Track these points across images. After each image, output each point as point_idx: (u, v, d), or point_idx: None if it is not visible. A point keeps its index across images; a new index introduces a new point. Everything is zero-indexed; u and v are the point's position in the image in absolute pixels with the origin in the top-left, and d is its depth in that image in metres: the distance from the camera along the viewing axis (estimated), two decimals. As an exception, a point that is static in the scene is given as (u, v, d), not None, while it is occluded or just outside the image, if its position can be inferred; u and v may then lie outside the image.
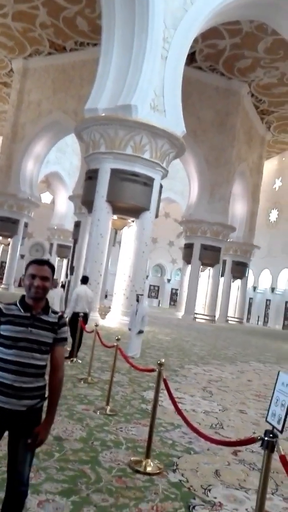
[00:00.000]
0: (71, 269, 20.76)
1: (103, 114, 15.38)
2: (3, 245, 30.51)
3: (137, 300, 9.47)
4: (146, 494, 3.21)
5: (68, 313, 8.72)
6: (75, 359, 8.03)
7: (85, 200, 16.75)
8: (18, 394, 2.09)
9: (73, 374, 6.95)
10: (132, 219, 16.09)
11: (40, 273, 2.16)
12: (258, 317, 38.91)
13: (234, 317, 31.37)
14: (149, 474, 3.55)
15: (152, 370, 4.05)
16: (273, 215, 38.71)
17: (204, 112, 25.93)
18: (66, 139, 31.77)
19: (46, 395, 2.23)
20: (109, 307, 17.81)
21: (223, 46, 23.14)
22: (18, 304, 2.20)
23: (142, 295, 9.72)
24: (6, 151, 28.58)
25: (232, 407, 6.36)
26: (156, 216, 16.47)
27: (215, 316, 27.29)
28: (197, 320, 25.95)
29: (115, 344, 5.37)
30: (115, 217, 16.00)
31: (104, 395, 5.84)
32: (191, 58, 23.02)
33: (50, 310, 2.24)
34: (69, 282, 20.82)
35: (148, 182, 15.60)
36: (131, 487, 3.29)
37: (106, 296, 23.80)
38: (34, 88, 28.54)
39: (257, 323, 38.06)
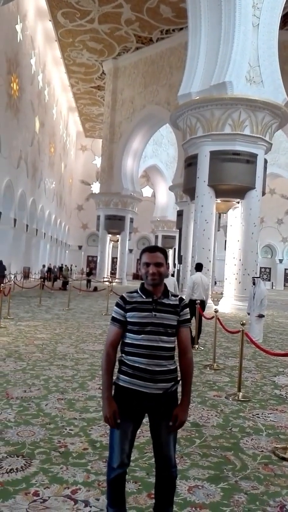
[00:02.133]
0: (179, 258, 20.88)
1: (197, 98, 15.06)
2: (113, 242, 31.91)
3: (254, 283, 9.08)
4: (299, 483, 3.00)
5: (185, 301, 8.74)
6: (196, 346, 8.00)
7: (187, 187, 16.64)
8: (154, 378, 2.13)
9: (197, 361, 6.91)
10: (237, 200, 15.57)
11: (153, 260, 2.21)
12: None
13: None
14: (297, 462, 3.33)
15: (289, 353, 3.77)
16: None
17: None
18: (161, 131, 32.02)
19: (178, 378, 2.25)
20: (221, 293, 17.54)
21: None
22: (139, 291, 2.26)
23: (258, 277, 9.30)
24: (106, 152, 29.76)
25: None
26: (263, 193, 15.69)
27: None
28: None
29: (241, 329, 5.17)
30: (218, 200, 15.63)
31: (233, 381, 5.70)
32: (283, 21, 21.37)
33: (170, 294, 2.26)
34: (178, 271, 20.96)
35: (251, 159, 14.92)
36: (280, 475, 3.11)
37: (215, 283, 23.49)
38: (126, 86, 29.18)
39: None
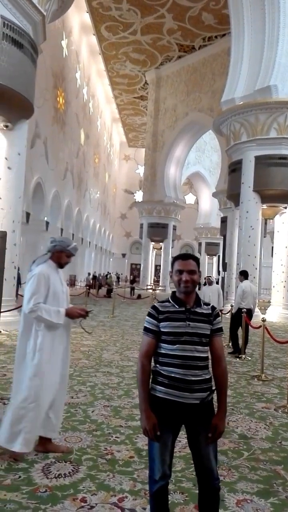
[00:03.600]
0: (224, 265, 20.57)
1: (241, 103, 14.87)
2: (156, 249, 31.99)
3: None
4: None
5: (234, 309, 8.56)
6: (243, 356, 7.82)
7: (231, 193, 16.39)
8: (190, 387, 2.11)
9: (244, 371, 6.75)
10: (284, 205, 15.15)
11: (186, 267, 2.19)
12: None
13: None
14: None
15: None
16: None
17: None
18: (204, 137, 31.88)
19: (213, 388, 2.21)
20: (269, 301, 17.08)
21: None
22: (171, 300, 2.23)
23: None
24: (149, 161, 30.00)
25: None
26: (312, 198, 15.16)
27: None
28: None
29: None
30: (264, 206, 15.27)
31: (283, 393, 5.50)
32: None
33: (202, 302, 2.24)
34: (222, 278, 20.64)
35: (297, 163, 14.47)
36: None
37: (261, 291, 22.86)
38: (168, 95, 29.37)
39: None
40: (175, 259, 2.29)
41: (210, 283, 9.71)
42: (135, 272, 41.89)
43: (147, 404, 2.15)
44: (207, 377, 2.19)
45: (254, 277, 14.63)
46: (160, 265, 32.10)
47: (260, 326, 6.65)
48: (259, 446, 3.71)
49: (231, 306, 9.47)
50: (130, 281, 27.83)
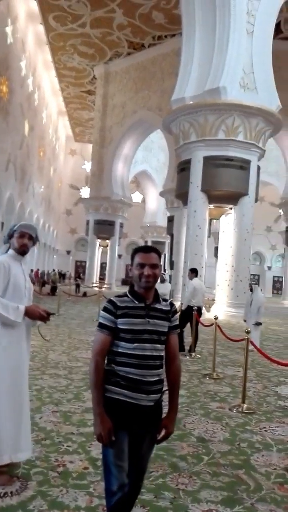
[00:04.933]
0: (171, 264, 20.69)
1: (191, 102, 14.96)
2: (102, 247, 31.60)
3: (251, 290, 8.92)
4: None
5: (183, 306, 8.49)
6: (193, 354, 7.78)
7: (179, 192, 16.49)
8: (147, 389, 1.98)
9: (195, 369, 6.69)
10: (230, 206, 15.46)
11: (148, 261, 2.04)
12: None
13: None
14: (314, 481, 3.11)
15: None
16: None
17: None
18: (152, 137, 31.92)
19: (164, 388, 2.11)
20: (213, 300, 17.37)
21: (311, 10, 21.22)
22: (129, 295, 2.07)
23: (256, 284, 9.14)
24: (97, 156, 29.55)
25: None
26: (256, 200, 15.62)
27: None
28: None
29: (245, 337, 4.96)
30: (211, 206, 15.50)
31: (235, 392, 5.48)
32: (275, 29, 21.51)
33: (160, 298, 2.12)
34: (170, 277, 20.75)
35: (244, 165, 14.84)
36: (299, 497, 2.88)
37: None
38: (117, 91, 29.07)
39: None
40: (135, 251, 2.12)
41: (163, 280, 9.62)
42: (80, 269, 41.20)
43: (102, 407, 1.98)
44: (163, 377, 2.08)
45: (201, 276, 14.78)
46: (105, 263, 31.75)
47: (212, 324, 6.61)
48: (218, 449, 3.59)
49: (181, 303, 9.43)
50: (75, 278, 27.22)
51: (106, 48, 27.26)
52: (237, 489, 2.91)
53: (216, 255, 17.66)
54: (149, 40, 25.73)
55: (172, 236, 21.41)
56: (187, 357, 7.63)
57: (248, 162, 14.92)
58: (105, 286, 28.55)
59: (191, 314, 7.93)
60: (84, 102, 36.32)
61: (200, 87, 14.89)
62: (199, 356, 7.80)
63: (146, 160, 35.23)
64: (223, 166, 14.78)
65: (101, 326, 2.04)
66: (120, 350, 2.01)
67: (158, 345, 2.04)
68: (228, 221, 15.90)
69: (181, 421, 4.17)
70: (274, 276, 43.53)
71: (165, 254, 35.47)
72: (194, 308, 7.94)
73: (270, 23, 14.97)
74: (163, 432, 2.08)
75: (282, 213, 28.37)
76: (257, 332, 8.93)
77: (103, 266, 33.91)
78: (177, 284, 18.12)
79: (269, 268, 44.06)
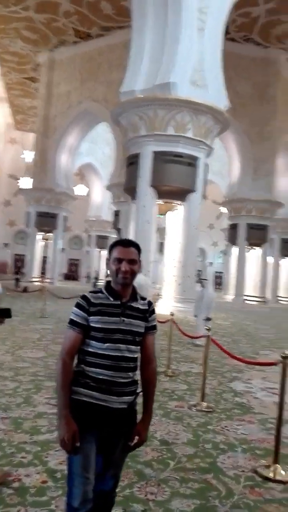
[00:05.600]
0: (117, 259, 20.45)
1: (141, 96, 14.77)
2: (45, 240, 30.61)
3: (202, 286, 8.94)
4: (291, 508, 2.71)
5: None
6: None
7: (128, 187, 16.28)
8: (119, 390, 1.87)
9: (149, 367, 6.55)
10: (178, 202, 15.51)
11: (126, 256, 1.93)
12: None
13: (286, 297, 30.25)
14: (282, 482, 3.05)
15: (273, 364, 3.51)
16: None
17: (241, 85, 24.66)
18: (97, 129, 31.34)
19: (138, 390, 1.99)
20: (159, 295, 17.40)
21: (258, 14, 21.79)
22: (104, 291, 1.96)
23: (207, 280, 9.17)
24: (40, 146, 28.52)
25: None
26: (204, 197, 15.79)
27: (265, 297, 26.39)
28: (247, 302, 25.14)
29: (207, 334, 4.87)
30: (160, 201, 15.46)
31: (191, 389, 5.40)
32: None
33: (138, 296, 2.00)
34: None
35: (192, 162, 14.94)
36: (271, 500, 2.80)
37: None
38: (62, 80, 28.19)
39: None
40: (113, 245, 2.00)
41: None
42: (19, 263, 39.74)
43: (68, 409, 1.84)
44: (136, 378, 1.97)
45: (148, 271, 14.73)
46: (47, 257, 30.81)
47: (167, 321, 6.50)
48: (183, 453, 3.45)
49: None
50: (14, 272, 26.13)
51: (51, 35, 26.26)
52: (208, 496, 2.78)
53: (161, 250, 17.68)
54: (96, 31, 25.12)
55: (119, 230, 21.16)
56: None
57: (196, 159, 15.04)
58: (47, 281, 27.69)
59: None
60: (26, 89, 34.81)
61: (150, 81, 14.74)
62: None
63: (91, 152, 34.57)
64: (172, 162, 14.77)
65: (72, 323, 1.90)
66: (90, 350, 1.88)
67: (133, 346, 1.92)
68: (175, 217, 15.95)
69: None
70: (216, 272, 44.78)
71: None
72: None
73: (221, 21, 15.14)
74: (136, 439, 1.95)
75: (224, 211, 29.08)
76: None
77: (44, 260, 32.88)
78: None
79: (211, 264, 45.21)
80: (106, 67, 25.24)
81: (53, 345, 7.85)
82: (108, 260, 1.98)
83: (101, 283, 29.93)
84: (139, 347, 1.96)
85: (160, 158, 14.72)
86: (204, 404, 4.68)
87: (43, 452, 3.27)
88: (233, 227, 26.25)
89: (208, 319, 8.73)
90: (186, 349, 8.37)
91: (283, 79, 25.97)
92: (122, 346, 1.88)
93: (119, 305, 1.91)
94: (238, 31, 23.52)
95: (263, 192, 24.68)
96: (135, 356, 1.94)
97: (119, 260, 1.91)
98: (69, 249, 41.49)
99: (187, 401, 4.90)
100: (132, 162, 15.65)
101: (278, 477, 3.09)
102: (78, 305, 1.92)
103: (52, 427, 3.76)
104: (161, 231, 19.58)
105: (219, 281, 41.40)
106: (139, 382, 1.99)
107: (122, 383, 1.87)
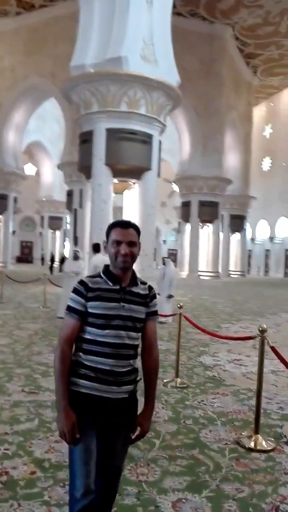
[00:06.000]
0: (75, 240, 20.14)
1: (92, 70, 14.29)
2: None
3: (164, 263, 9.00)
4: (277, 476, 2.84)
5: None
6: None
7: (82, 165, 15.86)
8: (119, 380, 1.81)
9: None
10: (134, 181, 15.36)
11: (126, 238, 1.84)
12: (258, 268, 38.93)
13: (236, 271, 31.29)
14: (264, 451, 3.19)
15: (250, 338, 3.60)
16: (266, 163, 37.92)
17: (188, 61, 24.46)
18: (45, 106, 30.19)
19: (138, 378, 1.94)
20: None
21: (204, -13, 21.64)
22: (103, 275, 1.87)
23: (168, 258, 9.25)
24: (-16, 123, 27.10)
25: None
26: (159, 175, 15.74)
27: (218, 272, 27.14)
28: (201, 277, 25.75)
29: (180, 312, 4.93)
30: (115, 180, 15.25)
31: (163, 366, 5.47)
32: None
33: (138, 281, 1.92)
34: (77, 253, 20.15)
35: (147, 140, 14.74)
36: (257, 470, 2.93)
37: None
38: (6, 53, 26.73)
39: (258, 274, 38.16)
40: (112, 226, 1.90)
41: (76, 257, 9.21)
42: None
43: (66, 400, 1.79)
44: (136, 366, 1.91)
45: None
46: (-2, 240, 29.70)
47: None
48: (167, 430, 3.51)
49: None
50: None
51: (-9, 4, 24.71)
52: (198, 472, 2.85)
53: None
54: (39, 1, 23.94)
55: (75, 211, 20.71)
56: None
57: (150, 136, 14.84)
58: (0, 265, 26.82)
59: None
60: None
61: (101, 55, 14.26)
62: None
63: (39, 130, 33.33)
64: (127, 140, 14.51)
65: (70, 309, 1.82)
66: (88, 337, 1.81)
67: (133, 333, 1.84)
68: (132, 196, 15.83)
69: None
70: (168, 249, 45.35)
71: (64, 230, 34.54)
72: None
73: (170, -6, 14.82)
74: (137, 431, 1.92)
75: (177, 189, 29.24)
76: (169, 305, 9.12)
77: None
78: (84, 261, 17.69)
79: (164, 242, 45.71)
80: (52, 40, 24.17)
81: (17, 330, 7.66)
82: (105, 242, 1.90)
83: (56, 265, 29.42)
84: (139, 334, 1.89)
85: (114, 135, 14.41)
86: (178, 380, 4.77)
87: (27, 442, 3.20)
88: (186, 205, 26.52)
89: (170, 296, 8.84)
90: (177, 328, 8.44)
91: (229, 55, 26.11)
92: (122, 332, 1.80)
93: (119, 290, 1.83)
94: (184, 5, 23.24)
95: (213, 169, 25.02)
96: (136, 343, 1.88)
97: (118, 243, 1.83)
98: (20, 231, 40.24)
99: (161, 378, 4.97)
100: (85, 140, 15.22)
101: (259, 447, 3.22)
102: (75, 291, 1.84)
103: (31, 415, 3.69)
104: (115, 210, 19.43)
105: (173, 258, 42.00)
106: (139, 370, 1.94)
107: (122, 372, 1.81)
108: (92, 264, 8.15)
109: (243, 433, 3.45)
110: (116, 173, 14.94)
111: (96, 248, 8.31)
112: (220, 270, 28.00)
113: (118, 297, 1.82)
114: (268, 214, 36.20)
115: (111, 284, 1.83)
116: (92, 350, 1.80)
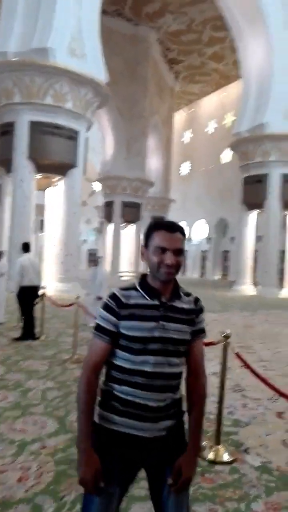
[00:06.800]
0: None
1: (15, 59, 13.49)
2: None
3: (96, 264, 8.67)
4: (245, 489, 2.71)
5: (15, 289, 7.45)
6: (43, 337, 7.14)
7: (1, 158, 14.92)
8: (155, 416, 1.47)
9: (52, 354, 6.12)
10: (58, 177, 14.80)
11: (173, 245, 1.47)
12: (176, 268, 40.00)
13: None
14: (227, 463, 3.05)
15: (213, 344, 3.45)
16: (184, 168, 39.13)
17: (112, 61, 24.16)
18: None
19: (183, 408, 1.59)
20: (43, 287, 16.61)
21: (130, -13, 21.66)
22: (139, 288, 1.51)
23: (101, 257, 8.92)
24: None
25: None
26: (84, 172, 15.33)
27: (139, 272, 27.32)
28: (122, 278, 25.71)
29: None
30: (39, 176, 14.56)
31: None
32: None
33: (181, 292, 1.55)
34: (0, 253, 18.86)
35: (73, 135, 14.35)
36: (225, 484, 2.76)
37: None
38: None
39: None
40: (154, 228, 1.51)
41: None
42: None
43: (89, 441, 1.44)
44: (178, 397, 1.55)
45: (40, 252, 13.91)
46: None
47: (71, 304, 6.10)
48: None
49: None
50: None
51: None
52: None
53: (41, 228, 16.83)
54: None
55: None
56: (37, 341, 6.95)
57: (76, 132, 14.47)
58: None
59: (26, 296, 7.11)
60: None
61: (25, 44, 13.54)
62: (44, 337, 7.22)
63: None
64: (52, 134, 13.96)
65: (99, 329, 1.48)
66: (119, 364, 1.48)
67: (174, 359, 1.50)
68: (56, 193, 15.22)
69: (65, 419, 3.64)
70: (88, 249, 44.76)
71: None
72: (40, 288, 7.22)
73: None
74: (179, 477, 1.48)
75: (98, 189, 28.93)
76: (98, 307, 8.78)
77: None
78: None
79: (85, 241, 45.03)
80: None
81: None
82: (144, 248, 1.52)
83: None
84: (182, 360, 1.54)
85: (39, 129, 13.79)
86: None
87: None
88: (109, 205, 26.38)
89: (99, 298, 8.51)
90: (81, 331, 8.06)
91: (152, 59, 26.50)
92: (161, 359, 1.47)
93: (158, 306, 1.48)
94: (110, 3, 23.03)
95: (137, 171, 25.23)
96: (178, 371, 1.53)
97: (163, 250, 1.46)
98: None
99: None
100: (5, 131, 14.33)
101: (220, 459, 3.07)
102: (106, 307, 1.49)
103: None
104: (38, 207, 18.59)
105: (92, 258, 41.56)
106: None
107: (159, 407, 1.47)
108: (17, 264, 7.47)
109: (203, 444, 3.29)
110: (40, 168, 14.35)
111: (26, 247, 7.65)
112: (140, 270, 28.22)
113: (157, 315, 1.47)
114: (187, 217, 37.38)
115: (148, 299, 1.48)
116: (122, 379, 1.47)
